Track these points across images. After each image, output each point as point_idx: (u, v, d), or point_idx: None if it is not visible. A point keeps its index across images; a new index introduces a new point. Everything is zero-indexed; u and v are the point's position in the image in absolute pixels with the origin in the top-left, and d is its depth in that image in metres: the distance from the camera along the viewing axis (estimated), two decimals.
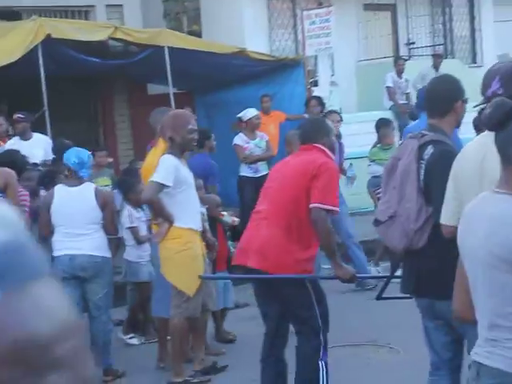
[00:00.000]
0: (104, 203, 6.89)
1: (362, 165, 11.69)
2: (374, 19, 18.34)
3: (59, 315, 0.59)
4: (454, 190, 3.97)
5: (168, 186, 6.29)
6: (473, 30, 20.08)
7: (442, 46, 18.59)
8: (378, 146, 10.88)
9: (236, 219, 8.17)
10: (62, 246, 6.82)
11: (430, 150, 4.36)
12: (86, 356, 0.61)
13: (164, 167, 6.32)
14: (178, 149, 6.46)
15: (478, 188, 3.76)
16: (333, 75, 16.11)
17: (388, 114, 14.85)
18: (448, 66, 16.36)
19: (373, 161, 10.80)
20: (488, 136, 3.74)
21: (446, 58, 17.14)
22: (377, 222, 4.63)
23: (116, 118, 15.33)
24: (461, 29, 19.91)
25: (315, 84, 14.50)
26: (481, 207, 3.03)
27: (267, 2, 16.82)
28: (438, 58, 16.43)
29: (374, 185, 10.17)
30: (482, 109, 3.84)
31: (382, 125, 11.01)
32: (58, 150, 8.69)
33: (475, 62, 19.84)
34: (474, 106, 4.17)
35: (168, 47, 12.22)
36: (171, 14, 17.42)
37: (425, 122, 4.78)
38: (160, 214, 6.47)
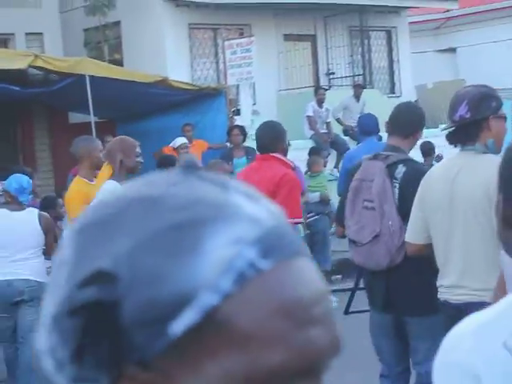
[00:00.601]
0: (47, 228, 6.99)
1: None
2: (295, 49, 18.57)
3: (315, 284, 0.77)
4: (420, 210, 4.04)
5: None
6: (391, 61, 20.49)
7: (361, 77, 18.90)
8: (308, 173, 11.03)
9: None
10: (0, 271, 6.79)
11: (401, 168, 4.47)
12: (333, 317, 0.78)
13: (104, 193, 6.31)
14: (126, 173, 6.46)
15: (447, 209, 3.88)
16: (254, 104, 16.23)
17: (309, 143, 15.01)
18: (368, 96, 16.65)
19: None
20: (458, 157, 3.93)
21: (365, 88, 17.42)
22: (356, 244, 4.67)
23: (36, 147, 15.16)
24: (379, 60, 20.30)
25: (237, 113, 14.58)
26: None
27: (189, 31, 16.90)
28: (358, 89, 16.70)
29: (304, 211, 10.26)
30: (450, 132, 3.99)
31: (313, 153, 11.30)
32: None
33: (394, 93, 20.23)
34: (442, 130, 4.26)
35: (89, 76, 12.16)
36: (92, 42, 17.36)
37: (369, 146, 4.84)
38: None
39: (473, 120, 3.87)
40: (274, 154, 5.62)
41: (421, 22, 24.01)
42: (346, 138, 15.84)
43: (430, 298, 4.14)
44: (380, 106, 16.59)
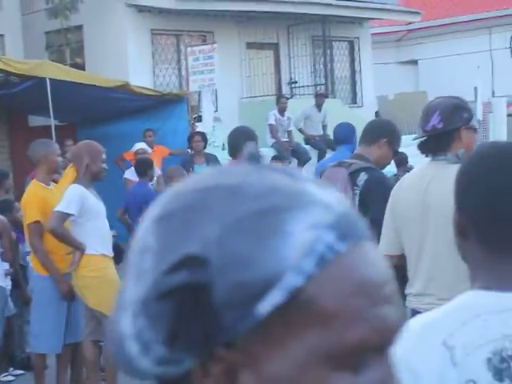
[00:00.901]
0: (2, 231, 6.89)
1: None
2: (257, 58, 18.60)
3: (383, 265, 0.84)
4: (392, 221, 4.05)
5: (71, 215, 6.28)
6: (353, 72, 20.60)
7: (323, 86, 18.97)
8: None
9: None
10: None
11: (363, 176, 4.55)
12: (397, 298, 0.85)
13: (68, 197, 6.31)
14: (91, 178, 6.50)
15: (418, 218, 3.89)
16: (216, 111, 16.21)
17: (270, 151, 15.01)
18: (330, 106, 16.71)
19: None
20: (429, 167, 3.94)
21: (327, 97, 17.49)
22: None
23: None
24: (341, 70, 20.40)
25: (199, 119, 14.55)
26: None
27: (151, 36, 16.84)
28: (320, 98, 16.73)
29: None
30: (421, 142, 4.00)
31: (275, 160, 11.40)
32: None
33: (355, 103, 20.34)
34: (414, 139, 4.26)
35: (50, 79, 12.05)
36: (54, 46, 17.24)
37: (341, 155, 4.86)
38: (68, 243, 6.42)
39: (445, 130, 3.91)
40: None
41: (383, 34, 24.19)
42: (307, 147, 15.87)
43: None
44: (342, 115, 16.63)
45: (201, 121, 14.50)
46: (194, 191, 0.85)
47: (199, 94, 14.95)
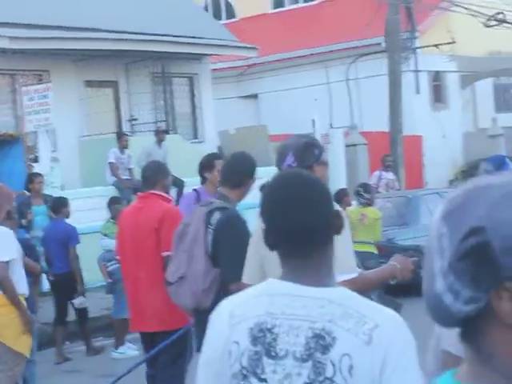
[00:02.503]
0: None
1: (90, 240, 11.62)
2: (96, 96, 18.40)
3: None
4: (256, 253, 4.23)
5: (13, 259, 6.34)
6: (193, 107, 20.68)
7: (164, 123, 18.93)
8: (111, 220, 10.92)
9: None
10: None
11: (216, 215, 4.77)
12: None
13: (6, 243, 6.33)
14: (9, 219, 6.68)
15: None
16: (54, 151, 15.90)
17: (111, 190, 14.83)
18: (171, 142, 16.68)
19: (105, 235, 10.86)
20: None
21: (168, 133, 17.45)
22: (168, 283, 4.99)
23: None
24: (182, 106, 20.44)
25: (35, 160, 14.22)
26: None
27: None
28: (160, 134, 16.67)
29: (105, 259, 10.52)
30: None
31: (114, 202, 11.25)
32: None
33: (196, 138, 20.41)
34: None
35: None
36: None
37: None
38: (11, 291, 6.39)
39: (299, 167, 4.15)
40: (154, 192, 6.09)
41: (223, 69, 24.44)
42: None
43: None
44: (183, 151, 16.69)
45: (38, 161, 14.19)
46: (461, 193, 1.35)
47: (36, 133, 14.64)
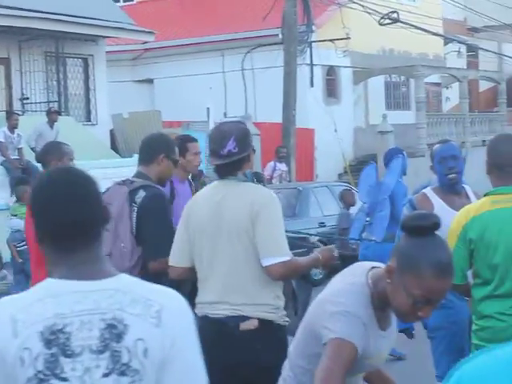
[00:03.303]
0: None
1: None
2: None
3: None
4: (186, 234, 4.32)
5: None
6: (87, 89, 20.39)
7: (56, 103, 18.61)
8: (19, 202, 10.82)
9: None
10: None
11: (141, 193, 4.71)
12: None
13: None
14: None
15: (212, 230, 4.22)
16: None
17: None
18: (63, 123, 16.42)
19: (15, 215, 10.88)
20: (221, 185, 4.32)
21: (60, 114, 17.17)
22: None
23: None
24: (75, 87, 20.14)
25: None
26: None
27: None
28: (53, 115, 16.38)
29: (15, 239, 10.64)
30: (218, 165, 4.31)
31: (20, 183, 11.23)
32: None
33: (89, 120, 20.15)
34: (213, 164, 4.46)
35: None
36: None
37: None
38: None
39: (240, 154, 4.25)
40: None
41: (119, 52, 24.19)
42: (39, 165, 15.47)
43: None
44: (75, 133, 16.45)
45: None
46: None
47: None
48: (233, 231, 4.15)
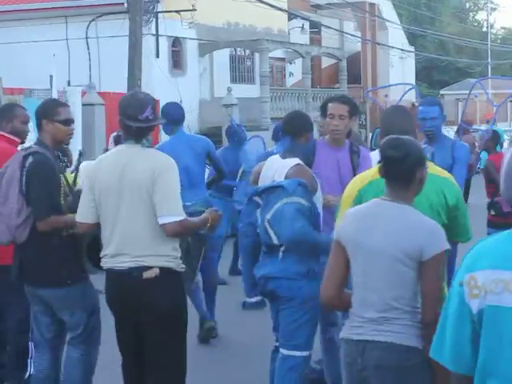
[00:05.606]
0: None
1: None
2: None
3: None
4: (91, 194, 4.73)
5: None
6: None
7: None
8: None
9: None
10: None
11: (30, 159, 5.11)
12: None
13: None
14: None
15: (116, 190, 4.61)
16: None
17: None
18: None
19: None
20: (126, 149, 4.68)
21: None
22: None
23: None
24: None
25: None
26: (374, 211, 3.70)
27: None
28: None
29: None
30: (136, 128, 4.65)
31: None
32: None
33: None
34: (136, 127, 4.73)
35: None
36: None
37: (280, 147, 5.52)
38: None
39: (153, 121, 4.70)
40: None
41: None
42: None
43: (62, 270, 5.03)
44: None
45: None
46: None
47: None
48: (135, 190, 4.57)
